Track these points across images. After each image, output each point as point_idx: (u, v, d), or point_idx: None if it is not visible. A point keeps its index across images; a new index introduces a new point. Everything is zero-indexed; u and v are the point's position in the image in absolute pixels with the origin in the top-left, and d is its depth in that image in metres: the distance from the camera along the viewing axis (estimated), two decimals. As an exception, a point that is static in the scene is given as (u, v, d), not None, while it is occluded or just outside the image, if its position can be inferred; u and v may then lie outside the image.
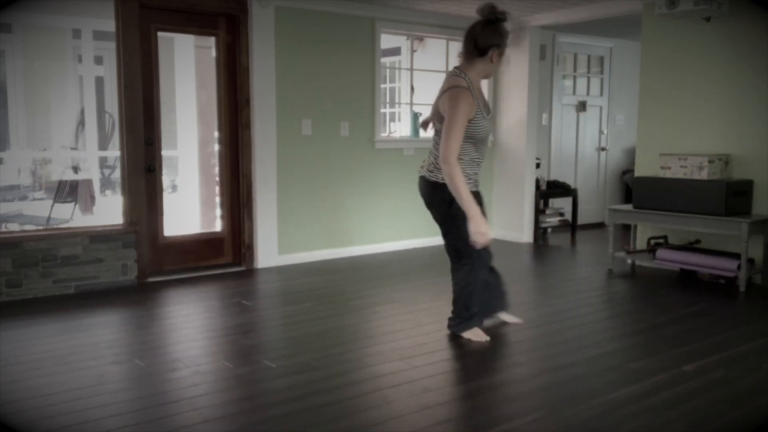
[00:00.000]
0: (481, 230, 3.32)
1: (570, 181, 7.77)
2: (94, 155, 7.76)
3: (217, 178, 5.60)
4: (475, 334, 3.72)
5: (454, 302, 3.78)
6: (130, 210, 5.08)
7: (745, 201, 5.06)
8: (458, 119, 3.35)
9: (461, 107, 3.37)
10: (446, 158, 3.33)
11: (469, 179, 3.51)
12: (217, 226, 5.66)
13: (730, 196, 4.92)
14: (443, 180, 3.42)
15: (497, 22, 3.47)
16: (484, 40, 3.46)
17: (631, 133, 7.95)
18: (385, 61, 7.28)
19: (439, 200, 3.57)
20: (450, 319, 3.83)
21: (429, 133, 6.94)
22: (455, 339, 3.75)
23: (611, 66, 8.14)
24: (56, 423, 2.66)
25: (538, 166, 7.07)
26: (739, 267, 4.87)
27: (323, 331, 3.91)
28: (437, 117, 3.56)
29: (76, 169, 7.27)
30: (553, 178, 7.59)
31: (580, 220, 7.60)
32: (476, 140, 3.51)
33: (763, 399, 2.95)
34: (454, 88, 3.43)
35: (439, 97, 3.55)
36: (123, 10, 4.93)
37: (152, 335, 3.88)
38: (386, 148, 6.39)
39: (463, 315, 3.74)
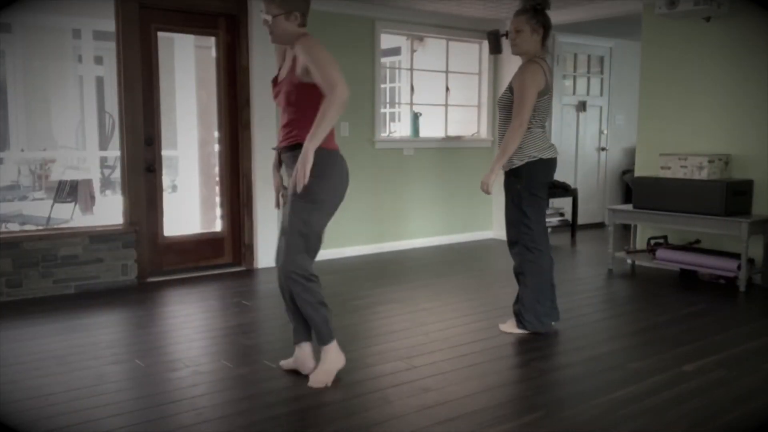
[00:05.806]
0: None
1: (570, 181, 7.77)
2: (95, 155, 7.76)
3: (217, 178, 5.60)
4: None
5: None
6: (130, 210, 5.08)
7: (745, 201, 5.06)
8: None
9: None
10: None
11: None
12: (217, 226, 5.65)
13: (730, 196, 4.92)
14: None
15: None
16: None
17: (631, 133, 7.95)
18: (385, 61, 7.27)
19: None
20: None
21: (428, 133, 6.97)
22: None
23: (611, 66, 8.14)
24: (56, 423, 2.66)
25: (538, 166, 7.05)
26: (739, 267, 4.87)
27: (323, 331, 3.90)
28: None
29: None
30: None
31: (580, 220, 7.60)
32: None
33: (763, 399, 2.95)
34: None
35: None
36: (123, 10, 4.93)
37: (152, 335, 3.88)
38: (386, 148, 6.39)
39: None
